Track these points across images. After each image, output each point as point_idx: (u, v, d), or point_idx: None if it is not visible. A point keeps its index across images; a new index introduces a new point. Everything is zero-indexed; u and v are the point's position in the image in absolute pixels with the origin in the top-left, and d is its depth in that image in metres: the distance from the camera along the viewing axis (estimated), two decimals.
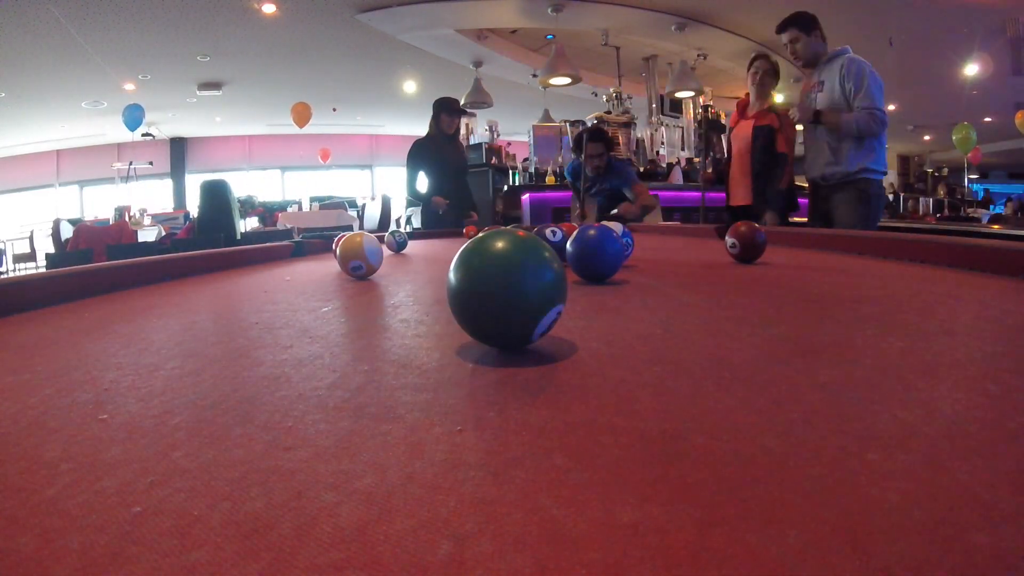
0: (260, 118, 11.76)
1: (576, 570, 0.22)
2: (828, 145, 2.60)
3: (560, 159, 6.82)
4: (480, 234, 0.56)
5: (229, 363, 0.58)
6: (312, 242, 2.14)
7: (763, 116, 2.90)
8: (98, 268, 1.25)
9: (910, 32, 6.96)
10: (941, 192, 12.96)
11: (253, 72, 8.79)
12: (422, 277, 1.30)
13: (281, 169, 14.03)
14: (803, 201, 2.94)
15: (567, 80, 7.00)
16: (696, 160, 7.61)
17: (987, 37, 6.63)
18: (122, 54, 7.48)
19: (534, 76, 8.35)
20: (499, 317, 0.52)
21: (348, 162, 13.92)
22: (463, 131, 8.04)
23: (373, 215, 9.34)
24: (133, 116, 8.64)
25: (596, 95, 8.83)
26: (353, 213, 9.08)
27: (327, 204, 9.79)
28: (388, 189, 10.59)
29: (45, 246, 9.08)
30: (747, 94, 3.10)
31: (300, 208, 10.35)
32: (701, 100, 8.17)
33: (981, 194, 14.63)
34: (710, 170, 3.66)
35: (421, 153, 3.47)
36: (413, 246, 2.33)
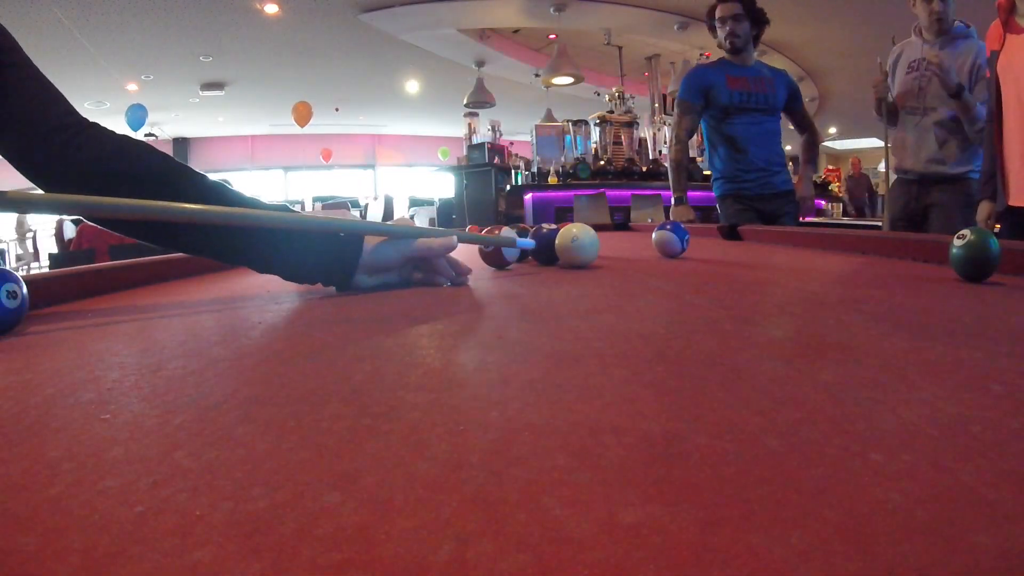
0: (263, 118, 11.78)
1: (578, 570, 0.22)
2: (936, 136, 2.27)
3: (563, 158, 6.81)
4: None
5: (232, 363, 0.58)
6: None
7: None
8: (101, 268, 1.25)
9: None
10: None
11: (256, 72, 8.81)
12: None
13: (284, 169, 14.06)
14: None
15: (569, 80, 7.01)
16: (700, 160, 7.60)
17: None
18: (125, 55, 7.51)
19: (536, 76, 8.36)
20: None
21: (350, 162, 13.92)
22: (466, 130, 8.05)
23: (376, 215, 9.36)
24: (136, 116, 8.67)
25: (599, 95, 8.83)
26: (356, 213, 9.09)
27: (330, 204, 9.81)
28: (390, 189, 10.60)
29: (48, 246, 9.10)
30: None
31: (303, 208, 10.37)
32: None
33: None
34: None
35: None
36: None
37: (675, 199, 2.85)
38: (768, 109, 2.70)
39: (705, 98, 2.61)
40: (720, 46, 2.66)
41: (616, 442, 0.34)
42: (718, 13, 2.55)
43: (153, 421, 0.41)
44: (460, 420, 0.39)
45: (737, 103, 2.60)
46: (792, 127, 3.11)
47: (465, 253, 1.98)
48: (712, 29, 2.65)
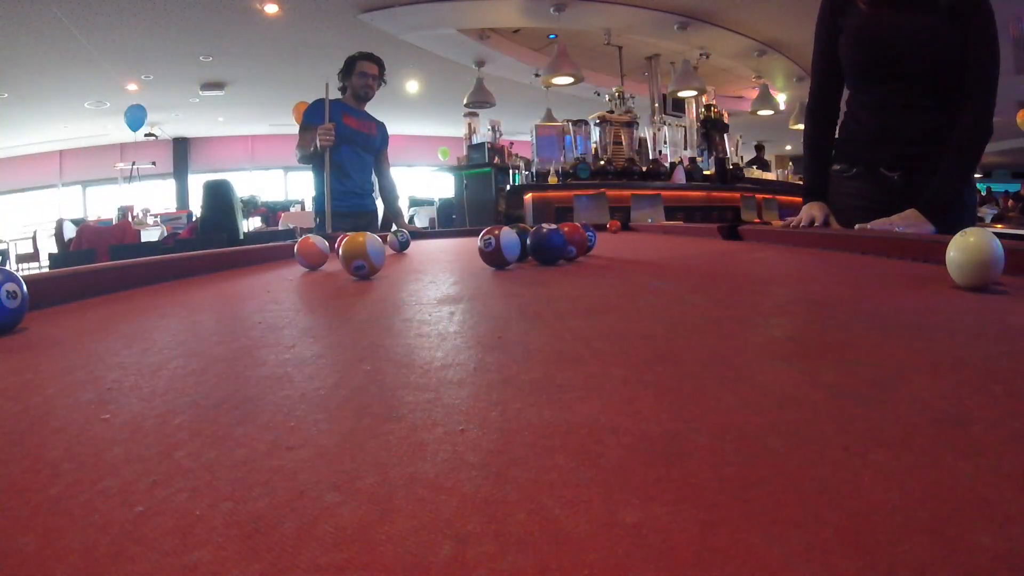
0: (263, 118, 11.77)
1: (578, 570, 0.22)
2: None
3: (563, 158, 6.80)
4: None
5: (232, 363, 0.58)
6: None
7: None
8: (101, 268, 1.25)
9: None
10: None
11: (256, 72, 8.81)
12: (425, 277, 1.30)
13: (284, 169, 14.04)
14: None
15: (569, 80, 7.00)
16: (699, 160, 7.60)
17: None
18: (125, 54, 7.50)
19: (536, 76, 8.35)
20: None
21: None
22: (466, 130, 8.03)
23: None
24: (136, 116, 8.67)
25: (599, 95, 8.82)
26: None
27: None
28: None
29: (48, 246, 9.11)
30: None
31: (303, 208, 10.35)
32: (704, 99, 8.17)
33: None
34: None
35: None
36: (416, 246, 2.33)
37: None
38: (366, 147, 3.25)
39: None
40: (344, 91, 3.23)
41: (616, 442, 0.34)
42: (360, 68, 3.18)
43: (153, 421, 0.41)
44: (460, 420, 0.39)
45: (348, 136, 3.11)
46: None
47: (466, 253, 1.98)
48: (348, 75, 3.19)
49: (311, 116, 3.17)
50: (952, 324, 0.65)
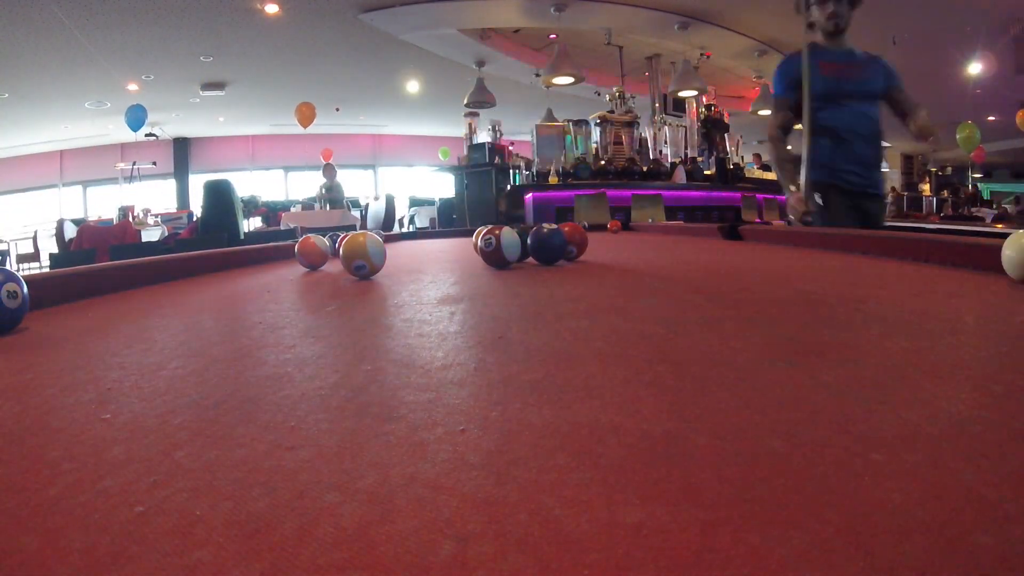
0: (263, 118, 11.78)
1: (579, 571, 0.22)
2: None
3: (563, 157, 6.80)
4: None
5: (232, 363, 0.58)
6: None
7: None
8: (101, 268, 1.25)
9: (913, 31, 6.93)
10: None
11: (256, 72, 8.81)
12: (425, 277, 1.30)
13: (284, 169, 14.05)
14: None
15: (570, 79, 6.99)
16: (700, 160, 7.60)
17: (990, 36, 6.60)
18: (125, 54, 7.50)
19: (537, 76, 8.35)
20: None
21: (351, 162, 13.91)
22: (466, 130, 8.03)
23: (377, 215, 9.34)
24: (136, 116, 8.67)
25: (599, 95, 8.81)
26: (356, 213, 9.07)
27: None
28: (391, 189, 10.59)
29: (49, 246, 9.11)
30: None
31: (303, 208, 10.36)
32: (704, 99, 8.16)
33: (987, 193, 14.54)
34: None
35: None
36: (417, 246, 2.33)
37: (785, 191, 2.39)
38: (864, 95, 2.37)
39: (796, 89, 2.32)
40: (813, 27, 2.41)
41: (616, 442, 0.34)
42: None
43: (153, 421, 0.41)
44: (460, 420, 0.39)
45: (832, 90, 2.30)
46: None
47: (466, 253, 1.98)
48: (801, 8, 2.41)
49: (777, 84, 2.48)
50: (952, 324, 0.65)
